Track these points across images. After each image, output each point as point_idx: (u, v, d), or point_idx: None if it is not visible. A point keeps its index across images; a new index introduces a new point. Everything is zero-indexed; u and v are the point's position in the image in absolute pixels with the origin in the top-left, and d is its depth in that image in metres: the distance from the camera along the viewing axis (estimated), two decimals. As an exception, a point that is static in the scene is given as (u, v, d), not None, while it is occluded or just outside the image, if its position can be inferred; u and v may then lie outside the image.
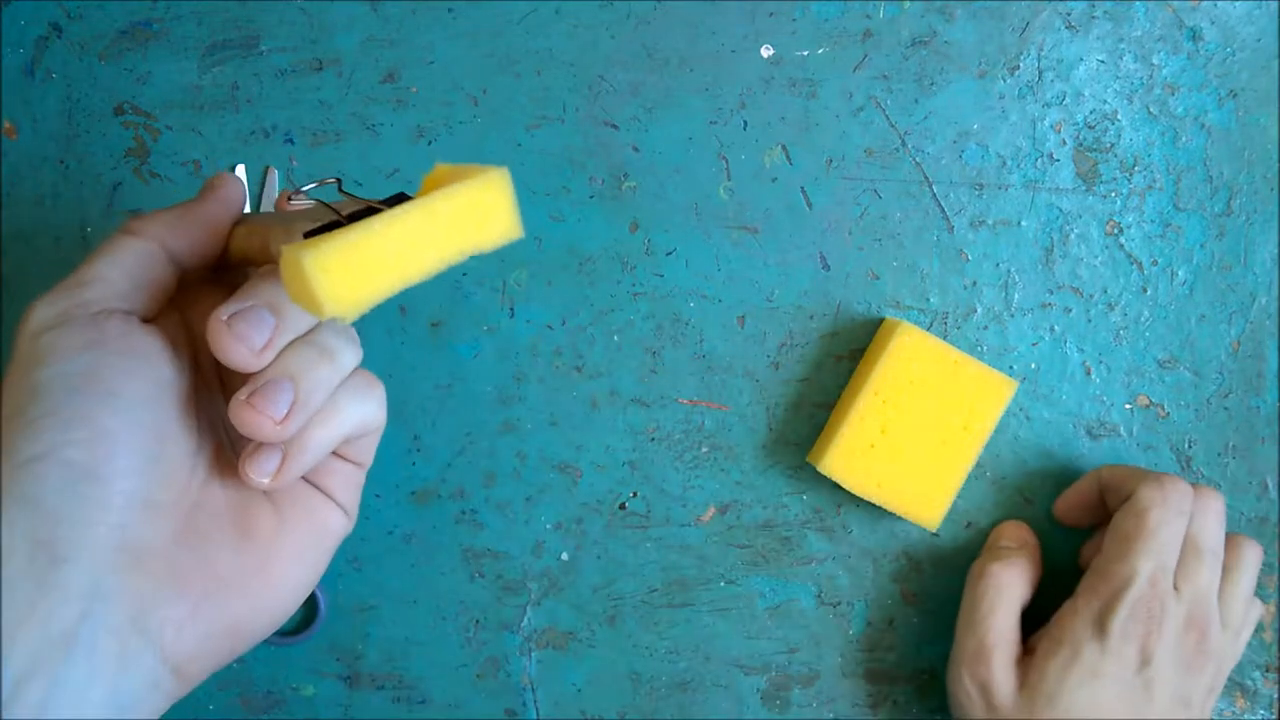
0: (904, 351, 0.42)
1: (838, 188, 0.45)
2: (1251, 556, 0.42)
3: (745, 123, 0.44)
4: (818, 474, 0.43)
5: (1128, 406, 0.46)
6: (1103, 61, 0.45)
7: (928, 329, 0.45)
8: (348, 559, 0.45)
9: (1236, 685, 0.46)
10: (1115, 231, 0.45)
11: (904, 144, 0.45)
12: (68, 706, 0.27)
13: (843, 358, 0.45)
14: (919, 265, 0.45)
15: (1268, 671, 0.46)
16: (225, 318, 0.29)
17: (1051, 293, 0.45)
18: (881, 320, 0.45)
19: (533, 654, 0.45)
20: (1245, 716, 0.46)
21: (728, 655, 0.46)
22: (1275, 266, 0.45)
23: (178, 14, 0.43)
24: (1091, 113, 0.45)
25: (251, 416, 0.29)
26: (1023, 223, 0.45)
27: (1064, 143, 0.45)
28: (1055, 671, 0.40)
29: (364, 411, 0.32)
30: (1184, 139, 0.45)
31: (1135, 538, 0.40)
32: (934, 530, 0.44)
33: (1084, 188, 0.45)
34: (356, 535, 0.45)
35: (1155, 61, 0.45)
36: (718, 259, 0.45)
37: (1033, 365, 0.45)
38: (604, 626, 0.45)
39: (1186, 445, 0.46)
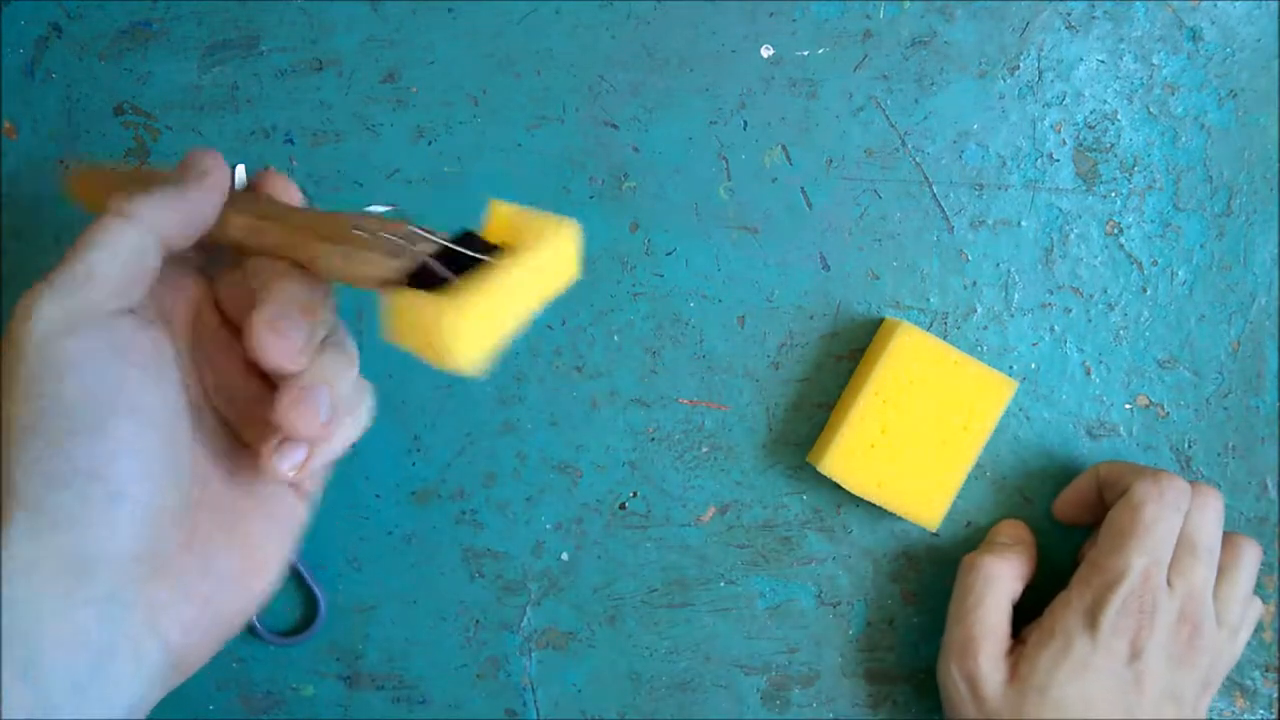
0: (904, 351, 0.42)
1: (838, 188, 0.45)
2: (1250, 555, 0.42)
3: (745, 123, 0.44)
4: (818, 474, 0.43)
5: (1128, 406, 0.46)
6: (1103, 61, 0.45)
7: (928, 329, 0.45)
8: (348, 559, 0.45)
9: (1236, 685, 0.46)
10: (1115, 231, 0.45)
11: (904, 144, 0.45)
12: (97, 712, 0.28)
13: (843, 358, 0.45)
14: (919, 265, 0.45)
15: (1267, 671, 0.46)
16: (269, 320, 0.29)
17: (1051, 293, 0.45)
18: (881, 320, 0.45)
19: (533, 654, 0.45)
20: (1245, 716, 0.46)
21: (728, 655, 0.46)
22: (1275, 266, 0.46)
23: (178, 14, 0.43)
24: (1091, 113, 0.45)
25: (300, 420, 0.29)
26: (1023, 223, 0.45)
27: (1064, 143, 0.45)
28: (1046, 663, 0.40)
29: (368, 410, 0.33)
30: (1184, 139, 0.45)
31: (1130, 532, 0.40)
32: (934, 530, 0.44)
33: (1084, 188, 0.45)
34: (356, 535, 0.45)
35: (1155, 61, 0.45)
36: (718, 259, 0.45)
37: (1033, 365, 0.45)
38: (604, 626, 0.45)
39: (1186, 445, 0.46)
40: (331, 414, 0.30)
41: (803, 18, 0.44)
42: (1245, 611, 0.42)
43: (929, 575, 0.46)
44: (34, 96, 0.43)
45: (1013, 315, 0.45)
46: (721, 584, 0.45)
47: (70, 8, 0.43)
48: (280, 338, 0.29)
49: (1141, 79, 0.45)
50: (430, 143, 0.44)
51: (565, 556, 0.45)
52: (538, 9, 0.44)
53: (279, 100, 0.44)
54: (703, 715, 0.46)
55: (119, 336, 0.29)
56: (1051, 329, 0.45)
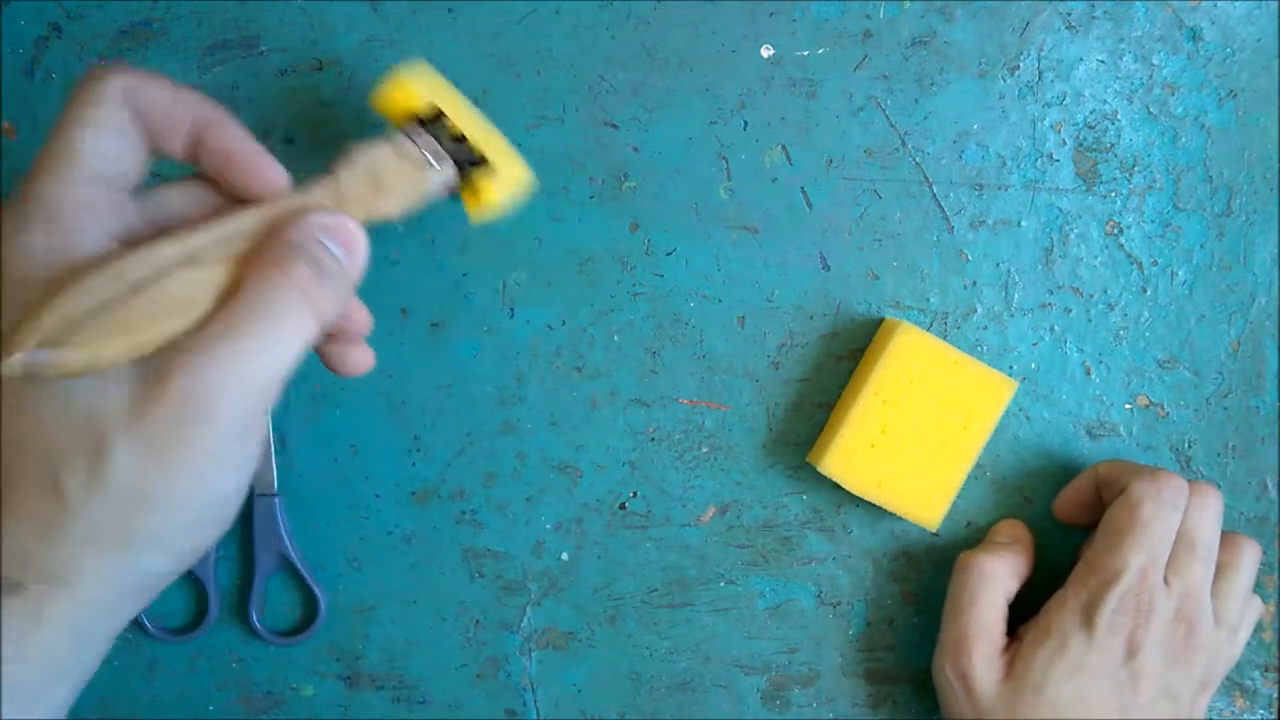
0: (904, 351, 0.42)
1: (838, 188, 0.45)
2: (1249, 555, 0.42)
3: (745, 123, 0.44)
4: (818, 474, 0.43)
5: (1128, 406, 0.46)
6: (1103, 61, 0.45)
7: (928, 329, 0.45)
8: (348, 559, 0.45)
9: (1236, 685, 0.46)
10: (1115, 231, 0.45)
11: (904, 144, 0.45)
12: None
13: (843, 358, 0.45)
14: (919, 265, 0.45)
15: (1267, 671, 0.46)
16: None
17: (1051, 293, 0.45)
18: (881, 320, 0.45)
19: (533, 654, 0.45)
20: (1245, 716, 0.46)
21: (728, 655, 0.46)
22: (1275, 266, 0.46)
23: (178, 14, 0.43)
24: (1091, 113, 0.45)
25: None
26: (1023, 223, 0.45)
27: (1064, 143, 0.45)
28: (1041, 662, 0.40)
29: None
30: (1184, 139, 0.45)
31: (1127, 530, 0.40)
32: (934, 530, 0.44)
33: (1084, 188, 0.45)
34: (356, 535, 0.45)
35: (1155, 61, 0.45)
36: (718, 259, 0.45)
37: (1033, 365, 0.45)
38: (604, 626, 0.45)
39: (1186, 445, 0.46)
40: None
41: (803, 18, 0.44)
42: (1244, 611, 0.42)
43: (929, 575, 0.46)
44: (34, 96, 0.43)
45: (1013, 315, 0.45)
46: (721, 584, 0.45)
47: (70, 8, 0.43)
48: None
49: (1141, 79, 0.45)
50: (430, 143, 0.44)
51: (565, 556, 0.45)
52: (538, 9, 0.44)
53: (279, 100, 0.44)
54: (703, 715, 0.46)
55: None
56: (1051, 329, 0.45)
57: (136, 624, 0.44)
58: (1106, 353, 0.45)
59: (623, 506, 0.45)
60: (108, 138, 0.30)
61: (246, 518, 0.44)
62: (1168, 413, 0.46)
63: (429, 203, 0.35)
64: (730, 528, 0.45)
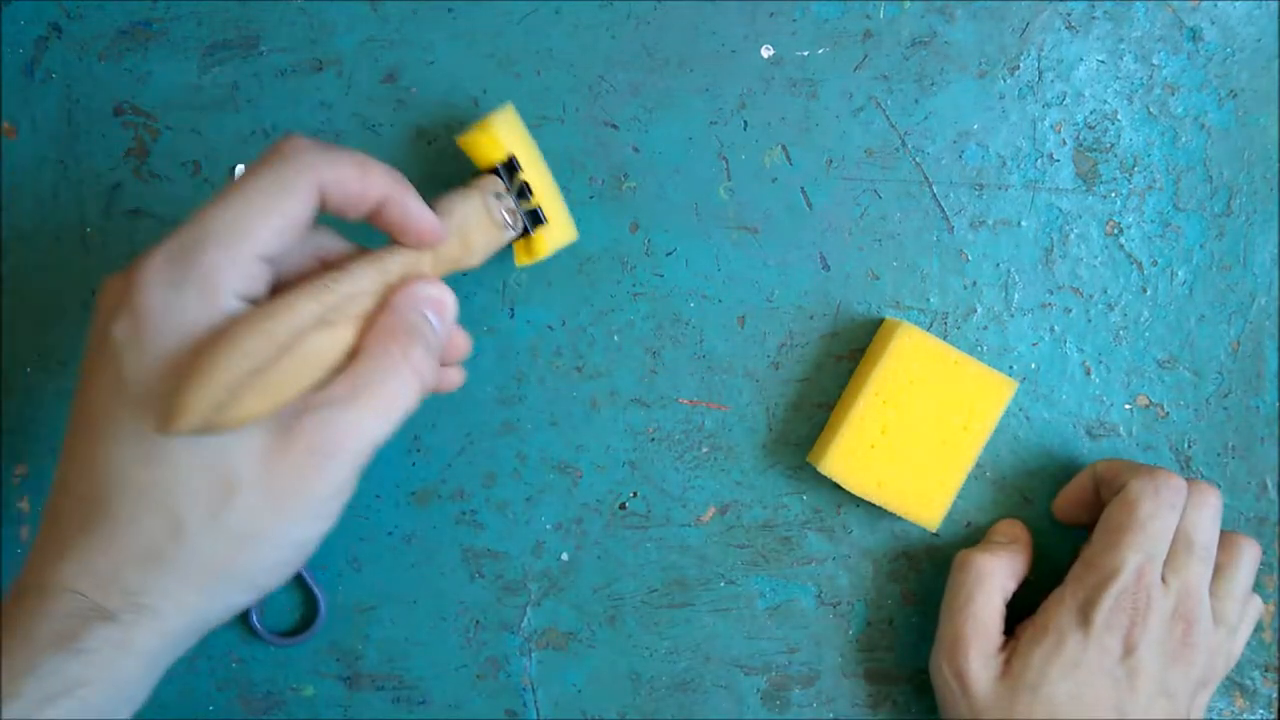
0: (904, 351, 0.42)
1: (838, 188, 0.45)
2: (1248, 554, 0.42)
3: (745, 123, 0.44)
4: (818, 474, 0.43)
5: (1127, 406, 0.46)
6: (1103, 61, 0.45)
7: (928, 329, 0.45)
8: (348, 559, 0.45)
9: (1236, 685, 0.46)
10: (1115, 231, 0.45)
11: (904, 144, 0.45)
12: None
13: (843, 358, 0.45)
14: (919, 265, 0.45)
15: (1267, 671, 0.46)
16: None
17: (1051, 293, 0.45)
18: (881, 320, 0.45)
19: (533, 654, 0.45)
20: (1244, 716, 0.46)
21: (728, 655, 0.46)
22: (1275, 266, 0.46)
23: (178, 14, 0.43)
24: (1091, 113, 0.45)
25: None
26: (1023, 223, 0.45)
27: (1064, 143, 0.45)
28: (1038, 661, 0.40)
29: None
30: (1184, 139, 0.45)
31: (1124, 529, 0.40)
32: (934, 530, 0.44)
33: (1084, 188, 0.45)
34: (356, 535, 0.45)
35: (1155, 61, 0.45)
36: (718, 259, 0.45)
37: (1033, 365, 0.45)
38: (604, 627, 0.45)
39: (1186, 445, 0.46)
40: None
41: (803, 18, 0.44)
42: (1244, 610, 0.42)
43: (929, 575, 0.46)
44: (34, 96, 0.43)
45: (1013, 315, 0.45)
46: (721, 584, 0.45)
47: (70, 8, 0.43)
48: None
49: (1141, 79, 0.45)
50: (430, 143, 0.44)
51: (565, 556, 0.45)
52: (538, 9, 0.44)
53: (279, 100, 0.44)
54: (703, 715, 0.46)
55: None
56: (1051, 329, 0.45)
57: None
58: (1106, 353, 0.45)
59: (623, 506, 0.45)
60: (286, 230, 0.32)
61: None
62: (1168, 413, 0.46)
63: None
64: (730, 528, 0.45)
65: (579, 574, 0.45)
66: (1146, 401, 0.46)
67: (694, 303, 0.45)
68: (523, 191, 0.39)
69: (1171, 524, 0.41)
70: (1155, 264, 0.45)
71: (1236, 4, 0.45)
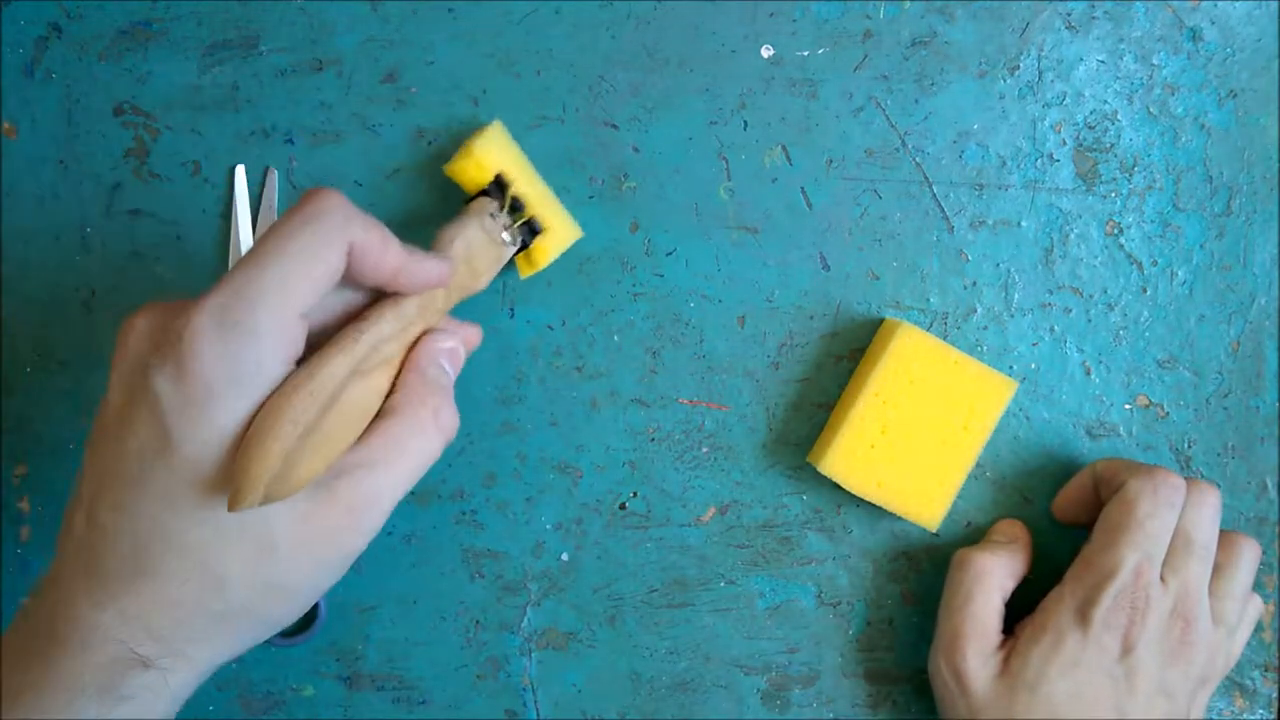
0: (904, 351, 0.42)
1: (838, 188, 0.45)
2: (1248, 554, 0.42)
3: (745, 123, 0.44)
4: (818, 474, 0.43)
5: (1127, 406, 0.46)
6: (1103, 61, 0.45)
7: (928, 329, 0.45)
8: (348, 559, 0.45)
9: (1236, 685, 0.46)
10: (1115, 231, 0.45)
11: (904, 144, 0.45)
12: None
13: (843, 358, 0.45)
14: (919, 265, 0.45)
15: (1267, 671, 0.46)
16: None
17: (1051, 293, 0.45)
18: (881, 320, 0.45)
19: (533, 654, 0.45)
20: (1244, 716, 0.46)
21: (728, 655, 0.46)
22: (1275, 266, 0.46)
23: (178, 14, 0.43)
24: (1091, 113, 0.45)
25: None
26: (1023, 223, 0.45)
27: (1064, 143, 0.45)
28: (1037, 660, 0.40)
29: None
30: (1184, 139, 0.45)
31: (1123, 528, 0.40)
32: (934, 530, 0.44)
33: (1084, 188, 0.45)
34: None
35: (1155, 61, 0.45)
36: (718, 259, 0.45)
37: (1033, 365, 0.45)
38: (604, 627, 0.45)
39: (1186, 445, 0.46)
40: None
41: (803, 18, 0.44)
42: (1243, 610, 0.42)
43: (929, 575, 0.46)
44: (34, 96, 0.43)
45: (1013, 315, 0.45)
46: (721, 584, 0.45)
47: (70, 8, 0.43)
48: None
49: (1141, 79, 0.45)
50: (430, 143, 0.44)
51: (565, 556, 0.45)
52: (538, 9, 0.44)
53: (279, 100, 0.44)
54: (703, 715, 0.46)
55: None
56: (1051, 329, 0.45)
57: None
58: (1106, 353, 0.45)
59: (623, 506, 0.45)
60: (323, 289, 0.32)
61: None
62: (1168, 413, 0.46)
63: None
64: (730, 528, 0.45)
65: (579, 574, 0.45)
66: (1146, 401, 0.46)
67: (694, 303, 0.45)
68: (516, 206, 0.40)
69: (1170, 523, 0.41)
70: (1155, 264, 0.45)
71: (1236, 4, 0.45)
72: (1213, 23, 0.45)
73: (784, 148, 0.45)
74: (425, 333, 0.37)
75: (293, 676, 0.45)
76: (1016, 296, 0.45)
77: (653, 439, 0.45)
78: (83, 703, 0.30)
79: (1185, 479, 0.42)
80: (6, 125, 0.44)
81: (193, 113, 0.44)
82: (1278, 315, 0.46)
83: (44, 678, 0.30)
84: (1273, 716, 0.46)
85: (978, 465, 0.45)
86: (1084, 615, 0.40)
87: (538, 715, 0.45)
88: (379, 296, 0.36)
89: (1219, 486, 0.44)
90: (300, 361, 0.32)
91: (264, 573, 0.32)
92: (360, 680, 0.45)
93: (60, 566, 0.32)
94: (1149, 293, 0.45)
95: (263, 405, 0.31)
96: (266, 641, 0.44)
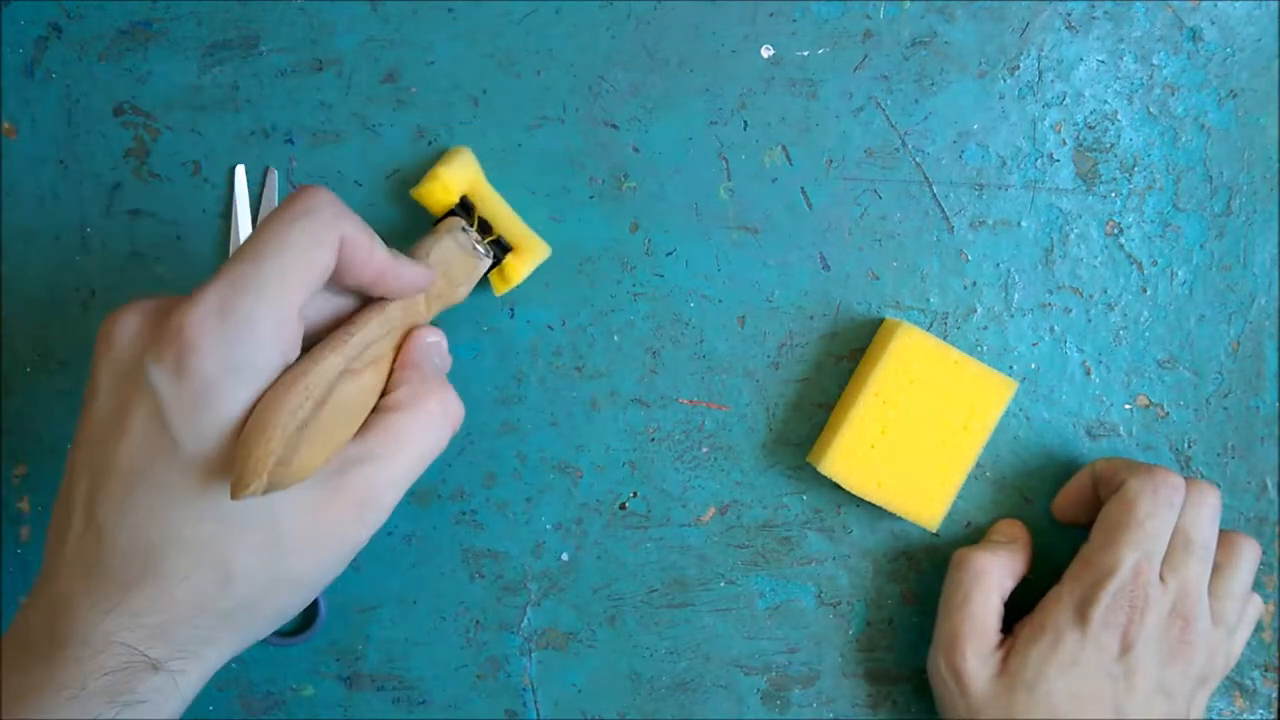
0: (904, 352, 0.42)
1: (838, 188, 0.45)
2: (1248, 553, 0.42)
3: (745, 123, 0.44)
4: (818, 474, 0.43)
5: (1127, 407, 0.46)
6: (1103, 62, 0.45)
7: (928, 329, 0.45)
8: (348, 559, 0.45)
9: (1236, 685, 0.46)
10: (1115, 231, 0.45)
11: (904, 144, 0.45)
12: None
13: (843, 358, 0.45)
14: (919, 265, 0.45)
15: (1267, 671, 0.46)
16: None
17: (1051, 293, 0.45)
18: (881, 320, 0.45)
19: (533, 654, 0.45)
20: (1244, 716, 0.46)
21: (728, 655, 0.46)
22: (1275, 266, 0.46)
23: (178, 14, 0.43)
24: (1091, 113, 0.45)
25: None
26: (1023, 223, 0.45)
27: (1064, 143, 0.45)
28: (1036, 659, 0.40)
29: None
30: (1184, 139, 0.45)
31: (1122, 527, 0.40)
32: (934, 530, 0.44)
33: (1084, 188, 0.45)
34: (356, 535, 0.45)
35: (1155, 61, 0.45)
36: (718, 259, 0.45)
37: (1033, 365, 0.45)
38: (604, 627, 0.45)
39: (1186, 445, 0.46)
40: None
41: (803, 18, 0.44)
42: (1243, 610, 0.42)
43: (929, 575, 0.46)
44: (34, 96, 0.43)
45: (1013, 315, 0.45)
46: (721, 584, 0.45)
47: (70, 8, 0.43)
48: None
49: (1141, 79, 0.45)
50: (430, 143, 0.44)
51: (565, 556, 0.45)
52: (538, 9, 0.44)
53: (279, 100, 0.44)
54: (703, 715, 0.46)
55: None
56: (1051, 329, 0.45)
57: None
58: (1106, 353, 0.45)
59: (623, 506, 0.45)
60: (316, 283, 0.32)
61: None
62: (1167, 413, 0.46)
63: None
64: (730, 528, 0.45)
65: (579, 574, 0.45)
66: (1146, 401, 0.46)
67: (694, 303, 0.45)
68: (482, 226, 0.42)
69: (1169, 522, 0.41)
70: (1155, 264, 0.45)
71: (1236, 4, 0.45)
72: (1213, 23, 0.45)
73: (784, 148, 0.45)
74: (409, 334, 0.37)
75: (293, 676, 0.45)
76: (1016, 296, 0.45)
77: (653, 439, 0.45)
78: (91, 706, 0.30)
79: (1185, 479, 0.42)
80: (6, 125, 0.44)
81: (193, 113, 0.44)
82: (1278, 315, 0.46)
83: (46, 681, 0.30)
84: (1273, 716, 0.46)
85: (978, 465, 0.45)
86: (1083, 614, 0.40)
87: (538, 715, 0.45)
88: (363, 304, 0.36)
89: (1219, 486, 0.44)
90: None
91: (271, 566, 0.32)
92: (360, 680, 0.45)
93: (55, 568, 0.32)
94: (1149, 293, 0.45)
95: (260, 399, 0.31)
96: (266, 641, 0.44)
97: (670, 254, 0.45)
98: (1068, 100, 0.45)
